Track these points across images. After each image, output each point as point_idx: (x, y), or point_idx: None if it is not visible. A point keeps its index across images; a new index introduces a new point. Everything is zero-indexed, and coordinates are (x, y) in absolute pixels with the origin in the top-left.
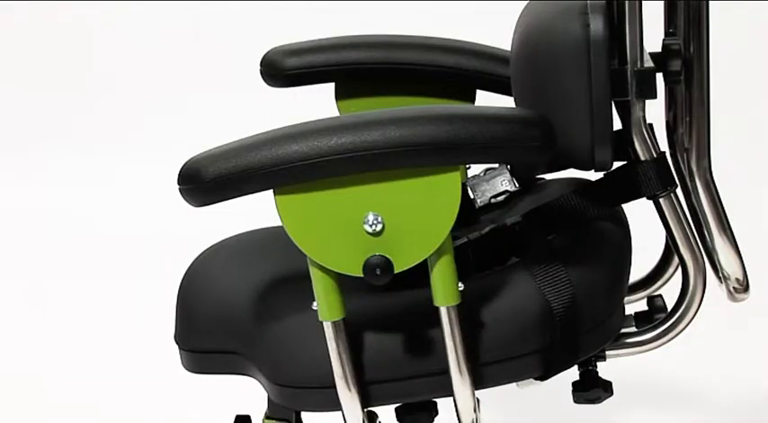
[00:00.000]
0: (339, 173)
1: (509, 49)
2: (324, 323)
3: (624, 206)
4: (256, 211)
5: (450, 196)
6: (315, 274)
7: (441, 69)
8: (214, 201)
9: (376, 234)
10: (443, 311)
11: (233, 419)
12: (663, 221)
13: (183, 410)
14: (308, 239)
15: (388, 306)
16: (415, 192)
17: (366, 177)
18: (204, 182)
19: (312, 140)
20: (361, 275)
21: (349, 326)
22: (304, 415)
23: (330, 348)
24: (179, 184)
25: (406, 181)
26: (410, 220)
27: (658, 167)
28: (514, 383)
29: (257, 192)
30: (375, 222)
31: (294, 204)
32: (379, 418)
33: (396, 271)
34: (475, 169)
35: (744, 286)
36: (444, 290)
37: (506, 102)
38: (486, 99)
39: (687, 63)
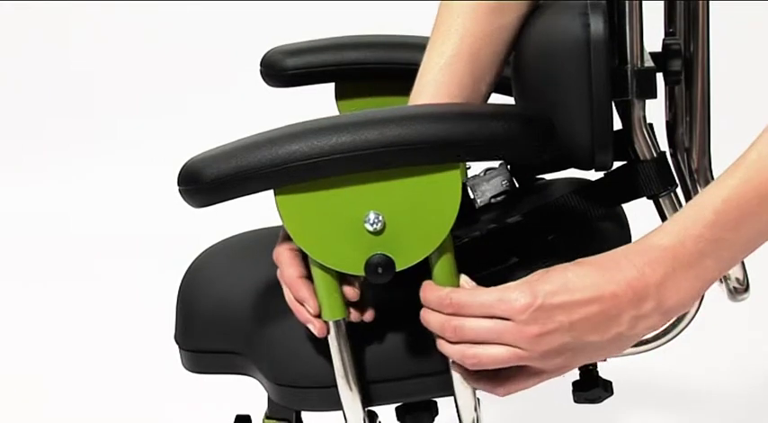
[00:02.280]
0: (339, 172)
1: None
2: (326, 320)
3: (624, 206)
4: (256, 211)
5: (451, 194)
6: (316, 273)
7: None
8: (215, 201)
9: (377, 233)
10: None
11: (233, 419)
12: (663, 221)
13: (183, 410)
14: (308, 239)
15: (388, 305)
16: (415, 190)
17: (366, 176)
18: (204, 182)
19: (312, 140)
20: (363, 274)
21: (350, 325)
22: (304, 415)
23: (331, 347)
24: (179, 184)
25: (406, 179)
26: (411, 218)
27: (659, 167)
28: None
29: (258, 192)
30: (376, 221)
31: (294, 204)
32: (380, 418)
33: (397, 269)
34: (475, 169)
35: (744, 286)
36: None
37: (506, 102)
38: None
39: (687, 63)
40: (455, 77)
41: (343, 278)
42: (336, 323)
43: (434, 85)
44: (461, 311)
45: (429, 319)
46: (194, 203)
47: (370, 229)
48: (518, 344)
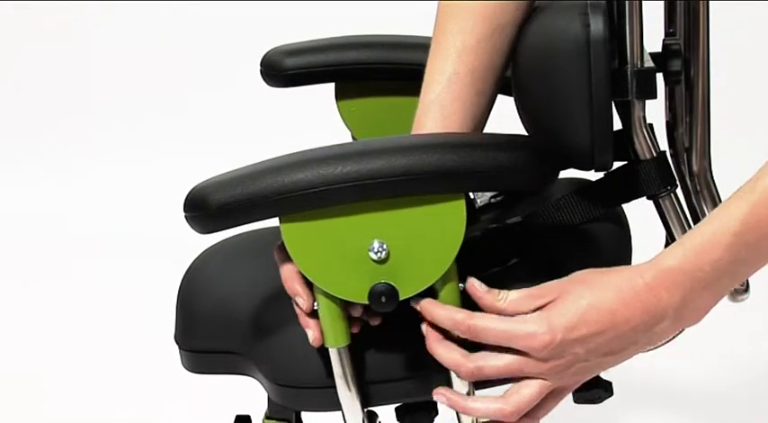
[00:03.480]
0: (344, 201)
1: None
2: (330, 349)
3: (624, 206)
4: None
5: (455, 224)
6: (321, 300)
7: None
8: (220, 228)
9: (381, 261)
10: None
11: (233, 419)
12: (663, 221)
13: (183, 410)
14: (313, 267)
15: None
16: (419, 220)
17: (371, 205)
18: (210, 209)
19: (317, 169)
20: (367, 302)
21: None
22: (304, 415)
23: (335, 372)
24: (185, 211)
25: (410, 209)
26: (415, 247)
27: (659, 167)
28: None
29: (263, 219)
30: (380, 250)
31: (300, 232)
32: (379, 418)
33: (401, 298)
34: None
35: (744, 286)
36: None
37: (506, 102)
38: None
39: (687, 63)
40: (458, 94)
41: (348, 304)
42: (339, 350)
43: (438, 104)
44: (478, 336)
45: (443, 355)
46: (200, 230)
47: (375, 257)
48: (538, 376)
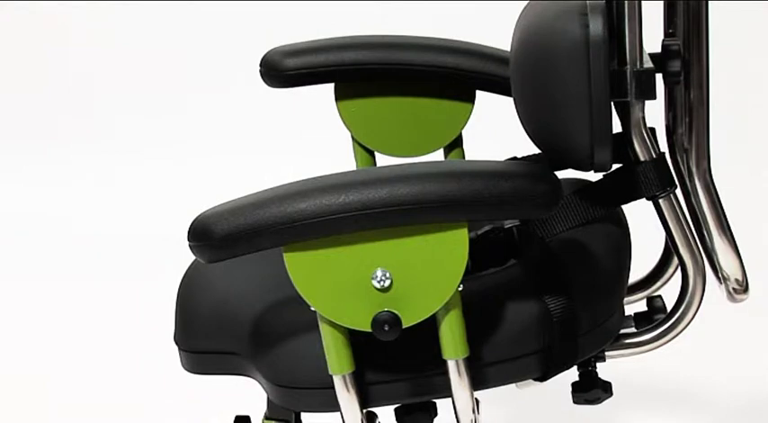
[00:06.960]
0: (347, 230)
1: (509, 49)
2: (333, 376)
3: (624, 206)
4: None
5: (458, 252)
6: (324, 329)
7: (440, 70)
8: (225, 257)
9: (384, 290)
10: (452, 364)
11: (233, 420)
12: (662, 222)
13: (183, 410)
14: (316, 295)
15: None
16: (422, 248)
17: (374, 234)
18: (214, 239)
19: (320, 199)
20: (370, 331)
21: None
22: (304, 415)
23: (340, 399)
24: (189, 240)
25: (413, 237)
26: (418, 275)
27: (658, 168)
28: (514, 384)
29: (267, 248)
30: (383, 278)
31: (303, 261)
32: (379, 419)
33: (403, 326)
34: None
35: (743, 287)
36: (454, 343)
37: (506, 102)
38: (486, 99)
39: (687, 64)
40: None
41: (351, 332)
42: (344, 377)
43: None
44: None
45: None
46: (205, 258)
47: (378, 286)
48: None
